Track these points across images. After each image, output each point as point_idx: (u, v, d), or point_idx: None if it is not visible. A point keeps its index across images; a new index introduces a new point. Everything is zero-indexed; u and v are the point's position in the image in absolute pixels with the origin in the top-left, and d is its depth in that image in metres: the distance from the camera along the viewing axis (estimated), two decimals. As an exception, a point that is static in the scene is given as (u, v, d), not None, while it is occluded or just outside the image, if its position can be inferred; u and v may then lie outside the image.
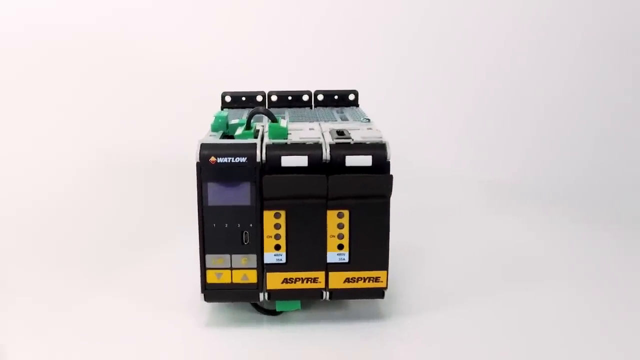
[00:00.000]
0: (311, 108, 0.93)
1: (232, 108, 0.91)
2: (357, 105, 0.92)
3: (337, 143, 0.67)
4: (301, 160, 0.67)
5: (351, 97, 0.93)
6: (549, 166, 1.32)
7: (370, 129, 0.74)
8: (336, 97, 0.95)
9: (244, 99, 0.92)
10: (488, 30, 1.45)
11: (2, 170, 0.69)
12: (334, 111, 0.88)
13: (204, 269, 0.69)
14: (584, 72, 1.48)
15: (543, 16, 1.48)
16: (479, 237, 1.00)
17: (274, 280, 0.69)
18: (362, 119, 0.80)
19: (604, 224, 1.07)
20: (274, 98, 0.92)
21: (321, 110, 0.90)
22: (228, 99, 0.92)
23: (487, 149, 1.34)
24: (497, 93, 1.42)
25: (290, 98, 0.93)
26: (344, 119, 0.81)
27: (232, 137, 0.72)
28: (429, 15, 1.43)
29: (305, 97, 0.93)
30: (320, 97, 0.94)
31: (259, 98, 0.91)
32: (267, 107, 0.90)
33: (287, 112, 0.87)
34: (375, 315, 0.76)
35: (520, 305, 0.79)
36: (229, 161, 0.66)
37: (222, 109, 0.91)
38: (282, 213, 0.68)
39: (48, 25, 1.01)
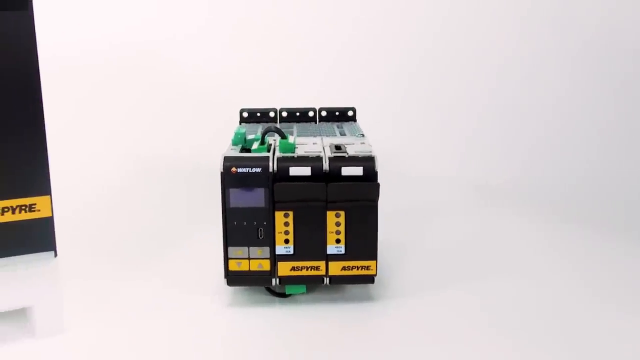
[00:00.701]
0: (315, 123, 1.06)
1: (249, 122, 1.04)
2: (355, 120, 1.05)
3: (334, 156, 0.81)
4: (305, 171, 0.81)
5: (350, 113, 1.05)
6: (542, 169, 1.40)
7: (363, 143, 0.88)
8: (337, 113, 1.07)
9: (258, 114, 1.06)
10: (481, 36, 1.55)
11: (60, 176, 0.83)
12: (335, 126, 1.02)
13: (226, 258, 0.83)
14: (579, 75, 1.54)
15: (534, 22, 1.55)
16: (463, 233, 1.11)
17: (284, 268, 0.83)
18: (357, 134, 0.94)
19: (595, 224, 1.15)
20: (284, 114, 1.06)
21: (324, 125, 1.03)
22: (245, 114, 1.05)
23: (477, 154, 1.44)
24: (490, 99, 1.52)
25: (297, 114, 1.06)
26: (343, 134, 0.95)
27: (249, 150, 0.85)
28: (419, 23, 1.53)
29: (311, 113, 1.06)
30: (323, 113, 1.07)
31: (272, 114, 1.05)
32: (278, 122, 1.04)
33: (295, 126, 1.01)
34: (367, 298, 0.88)
35: (497, 291, 0.89)
36: (247, 171, 0.80)
37: (240, 122, 1.04)
38: (290, 213, 0.81)
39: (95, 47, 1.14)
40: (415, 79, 1.51)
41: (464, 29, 1.55)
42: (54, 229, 0.75)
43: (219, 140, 1.05)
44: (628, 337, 0.77)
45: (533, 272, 0.96)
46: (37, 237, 0.75)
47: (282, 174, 0.80)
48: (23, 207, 0.73)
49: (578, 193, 1.30)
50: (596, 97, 1.53)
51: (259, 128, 0.96)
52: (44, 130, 0.73)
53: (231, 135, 0.89)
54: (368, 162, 0.80)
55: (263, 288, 0.88)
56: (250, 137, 0.89)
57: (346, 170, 0.80)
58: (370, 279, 0.84)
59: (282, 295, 0.87)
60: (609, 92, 1.52)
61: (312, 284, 0.86)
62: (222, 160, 0.80)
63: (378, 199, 0.79)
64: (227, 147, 0.85)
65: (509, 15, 1.56)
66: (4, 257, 0.74)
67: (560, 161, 1.42)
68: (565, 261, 1.00)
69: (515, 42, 1.57)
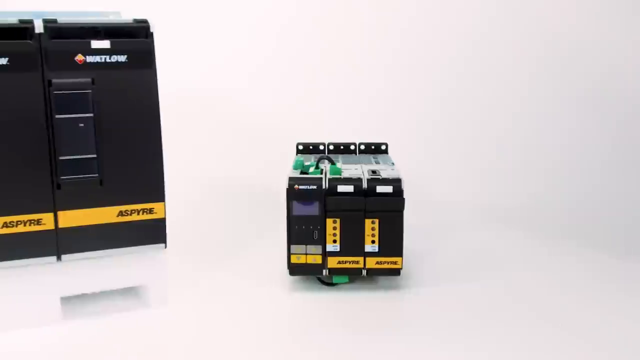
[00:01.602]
0: (356, 154, 1.27)
1: (304, 153, 1.27)
2: (387, 153, 1.28)
3: (371, 178, 1.03)
4: (350, 188, 1.02)
5: (383, 147, 1.28)
6: (551, 195, 1.55)
7: (393, 169, 1.10)
8: (373, 147, 1.28)
9: (311, 147, 1.27)
10: (495, 79, 1.71)
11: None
12: (371, 157, 1.24)
13: (289, 254, 1.04)
14: (590, 105, 1.67)
15: (545, 61, 1.69)
16: (474, 242, 1.29)
17: (332, 262, 1.04)
18: (389, 162, 1.18)
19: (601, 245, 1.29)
20: (331, 147, 1.28)
21: (362, 156, 1.25)
22: (300, 147, 1.27)
23: (489, 180, 1.61)
24: (501, 134, 1.68)
25: (342, 147, 1.28)
26: (377, 162, 1.17)
27: (307, 173, 1.06)
28: (428, 52, 1.71)
29: (352, 147, 1.28)
30: (362, 147, 1.28)
31: (321, 147, 1.27)
32: (326, 153, 1.27)
33: (340, 157, 1.23)
34: (394, 287, 1.08)
35: (506, 285, 1.08)
36: (306, 188, 1.02)
37: (297, 153, 1.26)
38: (338, 220, 1.02)
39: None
40: (435, 120, 1.70)
41: (478, 76, 1.72)
42: (165, 227, 0.97)
43: (276, 167, 1.31)
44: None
45: (536, 274, 1.14)
46: (154, 232, 0.96)
47: (332, 191, 1.02)
48: (145, 210, 0.95)
49: (587, 216, 1.44)
50: (607, 125, 1.65)
51: (312, 157, 1.20)
52: (162, 155, 0.95)
53: (287, 163, 1.14)
54: (396, 183, 1.02)
55: (315, 277, 1.08)
56: (306, 163, 1.13)
57: (380, 189, 1.02)
58: (397, 272, 1.04)
59: (330, 283, 1.08)
60: (621, 119, 1.64)
61: (353, 275, 1.06)
62: (288, 180, 1.02)
63: (403, 210, 1.02)
64: (289, 171, 1.08)
65: (520, 53, 1.71)
66: (129, 246, 0.95)
67: (572, 186, 1.58)
68: (565, 269, 1.17)
69: (526, 81, 1.71)
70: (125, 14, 1.03)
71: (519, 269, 1.17)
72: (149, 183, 0.96)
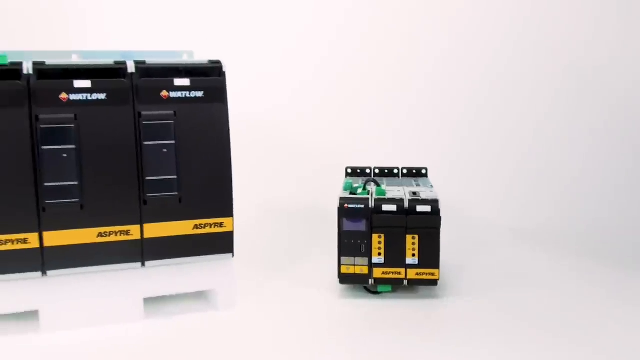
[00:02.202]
0: (399, 178, 1.36)
1: (352, 176, 1.36)
2: (427, 177, 1.36)
3: (412, 199, 1.14)
4: (393, 208, 1.13)
5: (423, 171, 1.37)
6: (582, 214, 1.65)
7: (431, 191, 1.20)
8: (414, 171, 1.37)
9: (358, 171, 1.37)
10: (523, 88, 1.81)
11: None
12: (412, 180, 1.33)
13: (339, 265, 1.15)
14: (615, 121, 1.75)
15: (569, 83, 1.78)
16: (503, 257, 1.39)
17: (377, 273, 1.14)
18: (428, 185, 1.28)
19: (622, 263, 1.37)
20: (376, 171, 1.37)
21: (405, 179, 1.34)
22: (349, 170, 1.37)
23: (523, 199, 1.71)
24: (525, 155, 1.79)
25: (386, 171, 1.37)
26: (417, 185, 1.27)
27: (355, 194, 1.18)
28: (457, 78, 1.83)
29: (395, 171, 1.37)
30: (404, 171, 1.37)
31: (367, 170, 1.37)
32: (373, 177, 1.35)
33: (384, 180, 1.33)
34: (432, 296, 1.18)
35: (536, 298, 1.17)
36: (355, 207, 1.14)
37: (346, 176, 1.36)
38: (382, 235, 1.13)
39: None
40: (470, 145, 1.80)
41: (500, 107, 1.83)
42: (233, 239, 1.11)
43: (327, 188, 1.45)
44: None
45: (566, 290, 1.22)
46: (223, 243, 1.09)
47: (377, 210, 1.13)
48: (216, 224, 1.09)
49: (619, 236, 1.53)
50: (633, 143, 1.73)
51: (360, 180, 1.31)
52: (232, 176, 1.09)
53: (337, 185, 1.28)
54: (434, 203, 1.14)
55: (362, 286, 1.19)
56: (355, 185, 1.25)
57: (419, 208, 1.13)
58: (434, 283, 1.14)
59: (375, 292, 1.18)
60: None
61: (395, 285, 1.16)
62: (339, 200, 1.15)
63: (440, 227, 1.14)
64: (340, 192, 1.21)
65: (550, 76, 1.79)
66: (202, 255, 1.09)
67: (602, 207, 1.66)
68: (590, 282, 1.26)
69: (559, 104, 1.80)
70: (197, 52, 1.19)
71: (548, 285, 1.26)
72: (220, 200, 1.09)
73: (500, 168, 1.80)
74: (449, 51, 1.86)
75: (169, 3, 1.75)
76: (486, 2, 1.85)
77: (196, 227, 1.09)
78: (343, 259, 1.16)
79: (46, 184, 1.01)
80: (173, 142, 1.06)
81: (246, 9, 1.80)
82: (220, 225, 1.10)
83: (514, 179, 1.78)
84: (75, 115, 1.01)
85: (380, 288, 1.18)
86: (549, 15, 1.83)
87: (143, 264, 1.08)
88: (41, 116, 1.00)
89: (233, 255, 1.12)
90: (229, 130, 1.10)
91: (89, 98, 1.02)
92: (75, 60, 1.08)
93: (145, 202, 1.06)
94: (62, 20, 1.61)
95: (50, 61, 1.02)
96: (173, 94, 1.06)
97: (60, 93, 1.01)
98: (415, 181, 1.33)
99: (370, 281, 1.17)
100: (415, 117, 1.84)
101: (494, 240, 1.54)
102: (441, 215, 1.14)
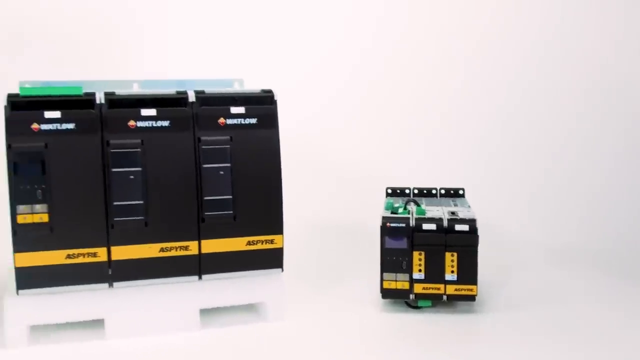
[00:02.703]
0: (437, 198, 1.42)
1: (392, 197, 1.42)
2: (464, 197, 1.42)
3: (450, 218, 1.21)
4: (432, 226, 1.20)
5: (460, 192, 1.43)
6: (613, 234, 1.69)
7: (469, 211, 1.27)
8: (452, 191, 1.42)
9: (398, 191, 1.43)
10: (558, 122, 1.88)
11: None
12: (450, 200, 1.39)
13: (382, 280, 1.22)
14: None
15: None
16: (546, 276, 1.44)
17: (418, 288, 1.21)
18: (465, 205, 1.35)
19: None
20: (415, 191, 1.43)
21: (443, 199, 1.40)
22: (389, 191, 1.43)
23: (557, 219, 1.77)
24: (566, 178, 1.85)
25: (425, 191, 1.44)
26: (455, 205, 1.33)
27: (396, 213, 1.24)
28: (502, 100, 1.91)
29: (434, 191, 1.43)
30: (442, 191, 1.44)
31: (407, 191, 1.44)
32: (413, 197, 1.42)
33: (424, 200, 1.40)
34: (470, 311, 1.23)
35: (572, 314, 1.22)
36: (396, 226, 1.21)
37: (386, 196, 1.42)
38: (423, 253, 1.20)
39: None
40: (506, 166, 1.87)
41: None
42: (283, 255, 1.19)
43: (369, 208, 1.52)
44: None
45: (603, 307, 1.27)
46: (273, 259, 1.17)
47: (418, 228, 1.20)
48: (267, 241, 1.17)
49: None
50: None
51: (400, 200, 1.38)
52: (282, 195, 1.18)
53: (379, 205, 1.36)
54: (472, 222, 1.20)
55: (403, 301, 1.24)
56: (396, 205, 1.32)
57: (458, 227, 1.19)
58: (472, 298, 1.20)
59: (416, 306, 1.23)
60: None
61: (435, 300, 1.22)
62: (381, 219, 1.24)
63: (477, 245, 1.20)
64: (382, 211, 1.28)
65: (590, 97, 1.85)
66: (253, 269, 1.17)
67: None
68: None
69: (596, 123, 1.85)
70: (247, 81, 1.29)
71: (586, 301, 1.30)
72: (271, 218, 1.18)
73: (534, 187, 1.86)
74: (486, 73, 1.93)
75: (207, 33, 1.85)
76: (525, 23, 1.92)
77: (249, 243, 1.18)
78: (385, 274, 1.23)
79: (115, 203, 1.11)
80: (229, 165, 1.15)
81: (286, 36, 1.91)
82: (271, 242, 1.19)
83: (549, 197, 1.84)
84: (142, 141, 1.11)
85: (420, 303, 1.24)
86: (588, 39, 1.90)
87: (200, 277, 1.17)
88: (111, 141, 1.10)
89: (282, 270, 1.20)
90: (279, 153, 1.18)
91: (154, 125, 1.12)
92: (136, 89, 1.19)
93: (203, 220, 1.15)
94: (119, 51, 1.73)
95: (119, 91, 1.13)
96: (229, 121, 1.15)
97: (128, 120, 1.11)
98: (453, 201, 1.39)
99: (411, 296, 1.23)
100: (452, 138, 1.92)
101: (530, 258, 1.59)
102: (478, 234, 1.21)
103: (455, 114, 1.93)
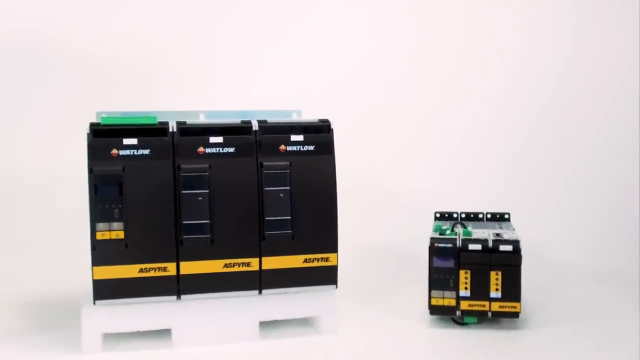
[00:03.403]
0: (484, 221, 1.48)
1: (441, 220, 1.50)
2: (509, 221, 1.49)
3: (495, 239, 1.28)
4: (478, 247, 1.27)
5: (506, 216, 1.50)
6: None
7: (513, 233, 1.34)
8: (497, 215, 1.49)
9: (446, 215, 1.50)
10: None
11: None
12: (496, 224, 1.46)
13: (430, 297, 1.29)
14: None
15: None
16: (588, 296, 1.49)
17: (464, 305, 1.27)
18: (510, 229, 1.41)
19: None
20: (462, 215, 1.50)
21: (489, 223, 1.46)
22: (438, 215, 1.50)
23: (601, 242, 1.81)
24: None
25: (472, 215, 1.50)
26: (501, 228, 1.40)
27: (444, 235, 1.32)
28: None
29: (480, 215, 1.50)
30: (488, 216, 1.51)
31: (455, 215, 1.51)
32: (460, 221, 1.49)
33: (470, 223, 1.47)
34: (514, 327, 1.29)
35: (613, 331, 1.28)
36: (444, 246, 1.29)
37: (435, 220, 1.50)
38: (469, 272, 1.26)
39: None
40: (550, 190, 1.93)
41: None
42: (337, 272, 1.27)
43: (419, 230, 1.60)
44: None
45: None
46: (328, 276, 1.25)
47: (464, 248, 1.27)
48: (323, 259, 1.26)
49: None
50: None
51: (448, 223, 1.46)
52: (337, 217, 1.27)
53: (426, 227, 1.43)
54: (515, 243, 1.27)
55: (450, 317, 1.31)
56: (444, 227, 1.40)
57: (502, 247, 1.26)
58: (516, 315, 1.26)
59: (462, 322, 1.30)
60: None
61: (480, 316, 1.28)
62: (430, 239, 1.30)
63: (521, 265, 1.27)
64: (430, 233, 1.35)
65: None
66: (309, 285, 1.26)
67: None
68: None
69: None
70: (305, 112, 1.39)
71: (628, 319, 1.35)
72: (327, 238, 1.27)
73: (577, 211, 1.92)
74: (531, 98, 2.02)
75: (268, 66, 1.98)
76: (575, 53, 2.01)
77: (305, 260, 1.27)
78: (433, 292, 1.30)
79: (184, 222, 1.21)
80: (288, 188, 1.25)
81: (343, 70, 2.02)
82: (326, 259, 1.27)
83: (594, 222, 1.89)
84: (210, 165, 1.22)
85: (466, 319, 1.30)
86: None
87: (260, 292, 1.26)
88: (182, 166, 1.21)
89: (336, 287, 1.29)
90: (335, 178, 1.28)
91: (221, 151, 1.23)
92: (202, 119, 1.30)
93: (264, 239, 1.24)
94: (188, 84, 1.87)
95: (190, 121, 1.24)
96: (289, 148, 1.26)
97: (198, 147, 1.22)
98: (498, 224, 1.47)
99: (458, 313, 1.29)
100: (498, 163, 2.01)
101: (575, 279, 1.65)
102: (522, 254, 1.28)
103: (506, 141, 2.02)
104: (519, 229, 1.41)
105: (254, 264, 1.25)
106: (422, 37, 2.05)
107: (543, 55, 2.03)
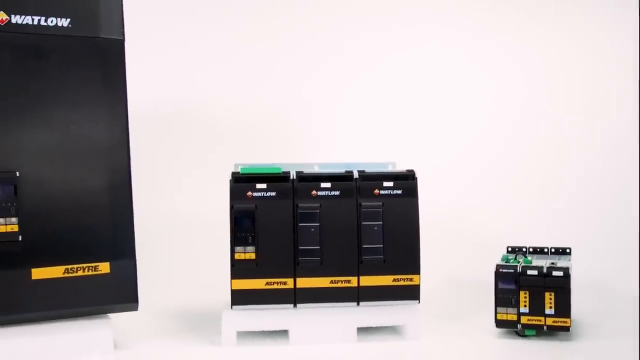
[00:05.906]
0: (548, 254, 1.61)
1: (510, 253, 1.75)
2: (570, 254, 1.60)
3: (549, 266, 1.52)
4: (534, 272, 1.44)
5: (567, 250, 1.61)
6: None
7: (566, 263, 1.59)
8: (560, 250, 1.62)
9: (516, 249, 1.73)
10: None
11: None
12: (557, 256, 1.62)
13: (495, 313, 1.46)
14: None
15: None
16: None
17: (524, 319, 1.43)
18: (567, 260, 1.67)
19: None
20: (530, 249, 1.74)
21: (551, 256, 1.60)
22: (509, 248, 1.75)
23: None
24: None
25: (538, 250, 1.73)
26: (559, 259, 1.62)
27: (508, 263, 1.58)
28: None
29: (545, 250, 1.72)
30: (552, 250, 1.66)
31: (524, 249, 1.74)
32: (522, 252, 1.73)
33: (535, 255, 1.70)
34: (566, 339, 1.46)
35: None
36: (507, 271, 1.53)
37: (506, 253, 1.77)
38: (527, 292, 1.43)
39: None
40: (610, 223, 2.13)
41: None
42: (419, 290, 1.55)
43: (490, 260, 1.87)
44: None
45: None
46: (411, 292, 1.49)
47: (523, 273, 1.45)
48: (407, 279, 1.54)
49: None
50: None
51: (512, 256, 1.73)
52: (420, 244, 1.57)
53: (496, 259, 1.73)
54: (565, 270, 1.47)
55: (513, 330, 1.47)
56: (509, 257, 1.69)
57: (555, 273, 1.43)
58: (567, 329, 1.42)
59: (522, 335, 1.46)
60: None
61: (538, 329, 1.44)
62: (495, 266, 1.59)
63: (570, 286, 1.50)
64: (498, 261, 1.64)
65: None
66: (397, 300, 1.55)
67: None
68: None
69: None
70: (398, 163, 1.74)
71: None
72: (411, 262, 1.51)
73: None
74: (596, 139, 2.25)
75: (370, 122, 2.31)
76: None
77: (394, 280, 1.58)
78: (498, 309, 1.50)
79: (300, 247, 1.58)
80: (381, 223, 1.58)
81: (434, 124, 2.34)
82: (411, 279, 1.56)
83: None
84: (320, 205, 1.58)
85: (526, 332, 1.48)
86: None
87: (358, 304, 1.58)
88: (300, 204, 1.58)
89: (419, 302, 1.50)
90: (418, 216, 1.60)
91: (329, 194, 1.59)
92: (316, 169, 1.68)
93: (361, 262, 1.58)
94: (307, 141, 2.25)
95: (306, 170, 1.62)
96: (382, 192, 1.59)
97: (312, 190, 1.59)
98: (558, 257, 1.71)
99: (519, 326, 1.48)
100: (564, 201, 2.24)
101: (628, 308, 1.83)
102: (571, 278, 1.53)
103: (570, 179, 2.24)
104: (582, 262, 1.68)
105: (353, 281, 1.57)
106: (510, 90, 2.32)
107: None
